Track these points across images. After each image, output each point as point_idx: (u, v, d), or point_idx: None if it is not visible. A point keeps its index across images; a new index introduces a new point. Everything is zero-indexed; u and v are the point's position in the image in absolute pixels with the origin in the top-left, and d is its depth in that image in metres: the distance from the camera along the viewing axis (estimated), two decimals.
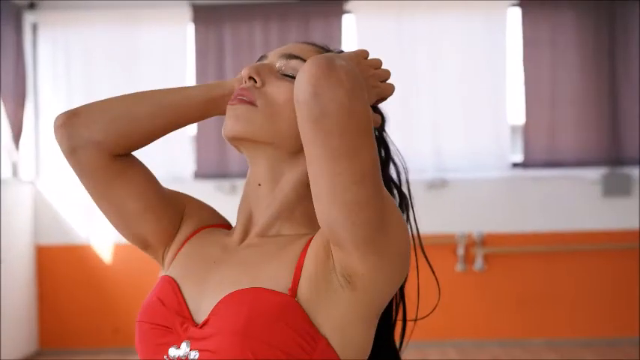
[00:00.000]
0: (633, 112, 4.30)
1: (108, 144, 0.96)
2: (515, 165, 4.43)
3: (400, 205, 1.05)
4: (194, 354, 0.84)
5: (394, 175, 1.06)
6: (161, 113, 0.98)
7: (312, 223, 0.93)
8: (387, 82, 0.95)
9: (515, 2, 4.39)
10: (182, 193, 1.07)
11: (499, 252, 4.36)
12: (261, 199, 0.96)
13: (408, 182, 1.07)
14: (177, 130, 1.03)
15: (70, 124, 0.96)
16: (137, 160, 1.02)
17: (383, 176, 0.90)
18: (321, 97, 0.75)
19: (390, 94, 0.95)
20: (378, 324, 0.90)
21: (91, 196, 1.01)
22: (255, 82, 0.93)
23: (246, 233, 0.97)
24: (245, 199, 0.98)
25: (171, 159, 4.32)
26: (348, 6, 4.41)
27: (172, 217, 1.02)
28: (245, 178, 1.00)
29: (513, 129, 4.50)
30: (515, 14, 4.41)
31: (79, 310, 4.45)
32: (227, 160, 4.37)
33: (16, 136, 4.23)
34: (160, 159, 4.12)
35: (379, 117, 1.00)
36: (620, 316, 4.30)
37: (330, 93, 0.75)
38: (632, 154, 4.30)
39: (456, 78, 4.39)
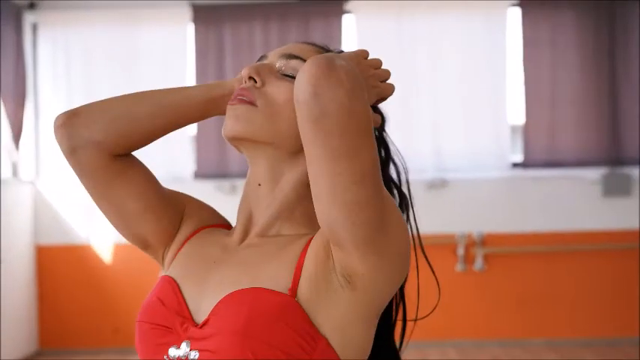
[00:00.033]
0: (633, 112, 4.30)
1: (108, 144, 0.96)
2: (515, 165, 4.43)
3: (400, 205, 1.05)
4: (194, 354, 0.84)
5: (394, 175, 1.06)
6: (161, 113, 0.98)
7: (312, 223, 0.93)
8: (387, 82, 0.95)
9: (515, 2, 4.39)
10: (182, 193, 1.07)
11: (499, 252, 4.36)
12: (261, 199, 0.96)
13: (408, 182, 1.07)
14: (177, 130, 1.03)
15: (70, 124, 0.96)
16: (137, 160, 1.02)
17: (383, 176, 0.90)
18: (321, 97, 0.75)
19: (390, 94, 0.95)
20: (378, 324, 0.90)
21: (91, 196, 1.01)
22: (255, 82, 0.93)
23: (246, 233, 0.97)
24: (245, 199, 0.98)
25: (171, 159, 4.32)
26: (348, 6, 4.41)
27: (172, 217, 1.02)
28: (245, 178, 1.00)
29: (513, 129, 4.50)
30: (515, 14, 4.41)
31: (79, 310, 4.45)
32: (227, 160, 4.37)
33: (16, 136, 4.23)
34: (159, 159, 4.12)
35: (379, 117, 1.00)
36: (620, 316, 4.30)
37: (330, 93, 0.75)
38: (632, 154, 4.30)
39: (456, 78, 4.39)
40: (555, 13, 4.38)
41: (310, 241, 0.89)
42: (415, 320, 1.07)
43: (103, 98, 1.00)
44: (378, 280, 0.84)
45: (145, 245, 1.03)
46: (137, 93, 1.00)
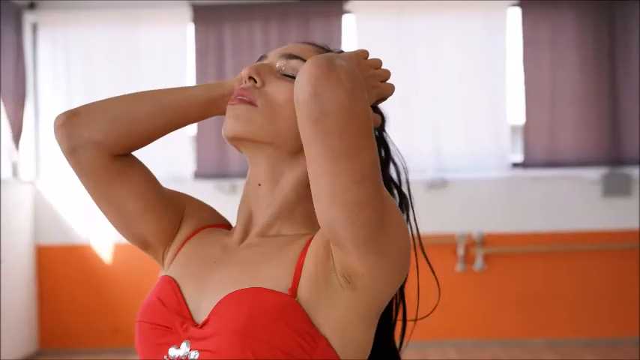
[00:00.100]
0: (633, 112, 4.30)
1: (108, 144, 0.96)
2: (515, 165, 4.43)
3: (400, 205, 1.05)
4: (194, 354, 0.84)
5: (394, 175, 1.06)
6: (161, 113, 0.98)
7: (312, 223, 0.93)
8: (387, 82, 0.95)
9: (515, 2, 4.39)
10: (182, 193, 1.07)
11: (499, 252, 4.36)
12: (261, 199, 0.96)
13: (408, 182, 1.07)
14: (177, 130, 1.03)
15: (70, 124, 0.96)
16: (137, 160, 1.02)
17: (383, 176, 0.90)
18: (321, 97, 0.75)
19: (390, 94, 0.95)
20: (378, 324, 0.90)
21: (91, 196, 1.01)
22: (255, 82, 0.93)
23: (246, 233, 0.97)
24: (245, 199, 0.98)
25: (171, 159, 4.32)
26: (348, 6, 4.41)
27: (172, 217, 1.02)
28: (245, 178, 1.00)
29: (513, 129, 4.50)
30: (515, 14, 4.41)
31: (79, 310, 4.45)
32: (227, 160, 4.37)
33: (16, 136, 4.23)
34: (160, 159, 4.12)
35: (379, 117, 1.00)
36: (620, 316, 4.30)
37: (330, 93, 0.75)
38: (632, 154, 4.30)
39: (456, 78, 4.39)
40: (555, 13, 4.38)
41: (310, 241, 0.89)
42: (415, 320, 1.07)
43: (103, 98, 1.00)
44: (378, 280, 0.84)
45: (145, 245, 1.03)
46: (137, 93, 1.00)
